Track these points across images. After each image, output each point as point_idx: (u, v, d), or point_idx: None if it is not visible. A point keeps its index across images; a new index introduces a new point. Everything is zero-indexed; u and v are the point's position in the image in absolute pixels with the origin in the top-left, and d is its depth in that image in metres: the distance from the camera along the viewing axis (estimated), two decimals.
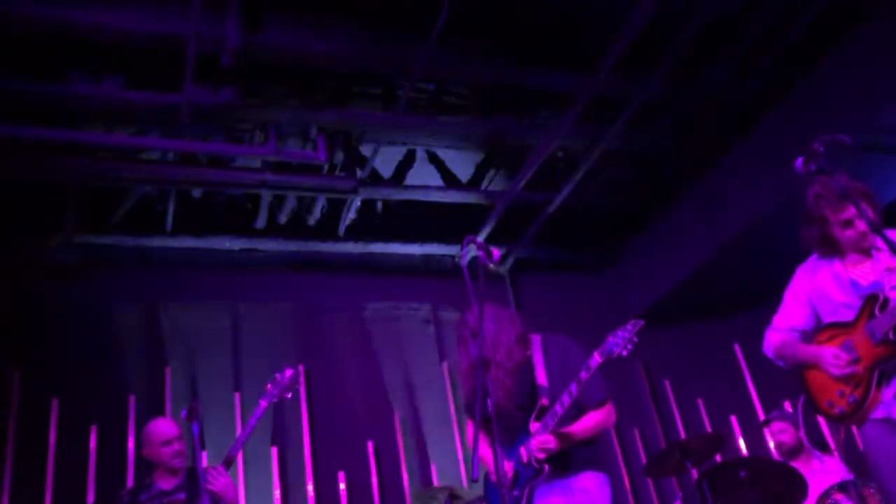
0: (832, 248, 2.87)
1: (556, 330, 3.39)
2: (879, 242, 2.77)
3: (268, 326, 5.82)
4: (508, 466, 3.17)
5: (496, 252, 2.85)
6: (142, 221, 5.64)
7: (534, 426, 3.11)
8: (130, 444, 4.94)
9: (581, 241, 6.78)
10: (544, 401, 3.15)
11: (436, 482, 5.57)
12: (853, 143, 2.51)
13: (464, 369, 3.32)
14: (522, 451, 3.13)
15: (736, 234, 5.67)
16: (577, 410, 3.16)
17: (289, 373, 3.71)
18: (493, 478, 3.16)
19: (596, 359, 2.99)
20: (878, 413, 2.63)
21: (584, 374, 3.00)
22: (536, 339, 3.36)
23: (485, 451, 3.32)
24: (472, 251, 2.90)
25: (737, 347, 6.57)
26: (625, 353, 2.94)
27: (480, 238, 5.97)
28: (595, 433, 3.18)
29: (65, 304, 5.35)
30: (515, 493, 3.13)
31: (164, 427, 3.76)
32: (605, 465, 3.22)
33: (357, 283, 6.29)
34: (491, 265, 2.87)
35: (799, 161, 2.55)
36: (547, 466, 3.06)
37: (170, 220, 5.60)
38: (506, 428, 3.22)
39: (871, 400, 2.62)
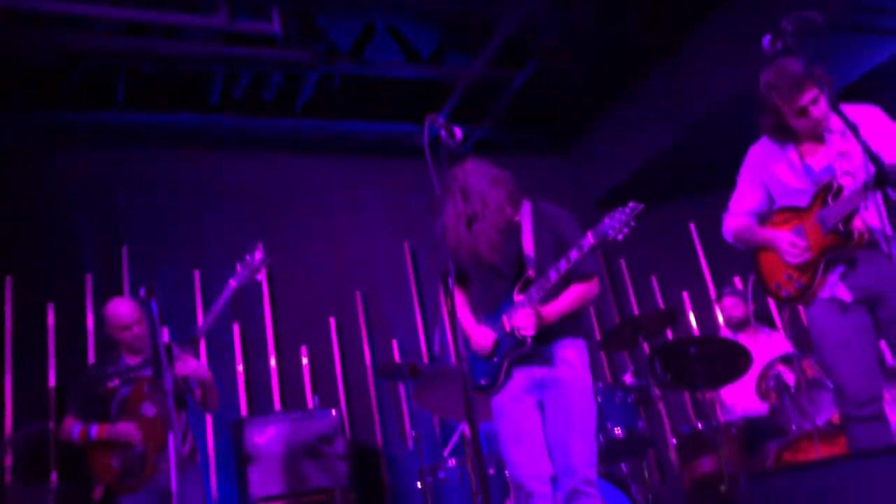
0: (787, 136, 2.88)
1: None
2: (832, 125, 2.78)
3: (225, 203, 5.74)
4: (489, 335, 3.15)
5: (458, 131, 2.78)
6: (92, 96, 5.41)
7: (518, 297, 3.10)
8: (90, 322, 4.93)
9: (545, 123, 6.71)
10: (530, 272, 3.12)
11: (397, 358, 5.72)
12: (823, 21, 2.46)
13: (448, 224, 3.20)
14: (505, 320, 3.11)
15: (701, 116, 5.65)
16: (563, 282, 3.11)
17: (259, 254, 3.68)
18: (473, 344, 3.15)
19: (589, 239, 2.93)
20: (824, 293, 2.72)
21: (574, 254, 2.95)
22: (527, 205, 3.28)
23: (466, 317, 3.28)
24: (434, 130, 2.82)
25: (692, 227, 6.71)
26: (620, 236, 2.86)
27: (442, 116, 5.87)
28: (579, 306, 3.16)
29: (15, 182, 5.19)
30: (495, 360, 3.15)
31: (122, 310, 3.73)
32: (584, 330, 3.23)
33: (316, 161, 6.19)
34: (453, 145, 2.81)
35: (766, 39, 2.50)
36: (529, 340, 3.06)
37: (121, 95, 5.37)
38: (490, 293, 3.22)
39: (818, 284, 2.70)
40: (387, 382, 5.54)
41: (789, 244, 2.72)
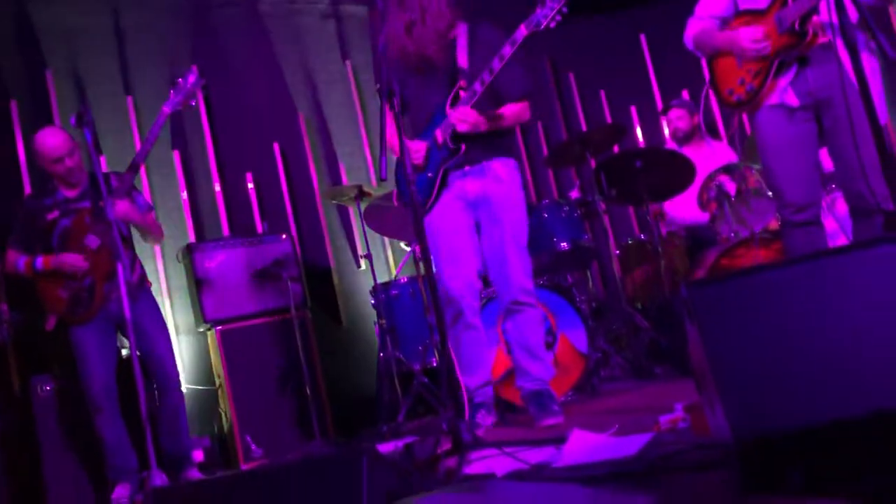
0: None
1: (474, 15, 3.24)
2: None
3: (153, 23, 5.37)
4: (421, 146, 3.16)
5: None
6: None
7: (450, 111, 3.07)
8: (21, 152, 4.71)
9: None
10: (462, 82, 3.09)
11: (345, 181, 5.68)
12: None
13: (389, 33, 3.08)
14: (438, 133, 3.11)
15: None
16: (495, 101, 3.13)
17: (192, 78, 3.50)
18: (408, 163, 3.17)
19: (522, 31, 2.89)
20: (772, 100, 2.72)
21: (507, 49, 2.91)
22: (463, 25, 3.21)
23: (392, 134, 3.21)
24: None
25: (643, 38, 6.57)
26: (553, 24, 2.86)
27: None
28: (510, 123, 3.19)
29: None
30: (429, 174, 3.17)
31: (50, 142, 3.54)
32: (514, 151, 3.30)
33: None
34: None
35: None
36: (463, 146, 3.08)
37: None
38: (424, 110, 3.20)
39: (767, 88, 2.69)
40: (335, 205, 5.54)
41: (750, 36, 2.68)
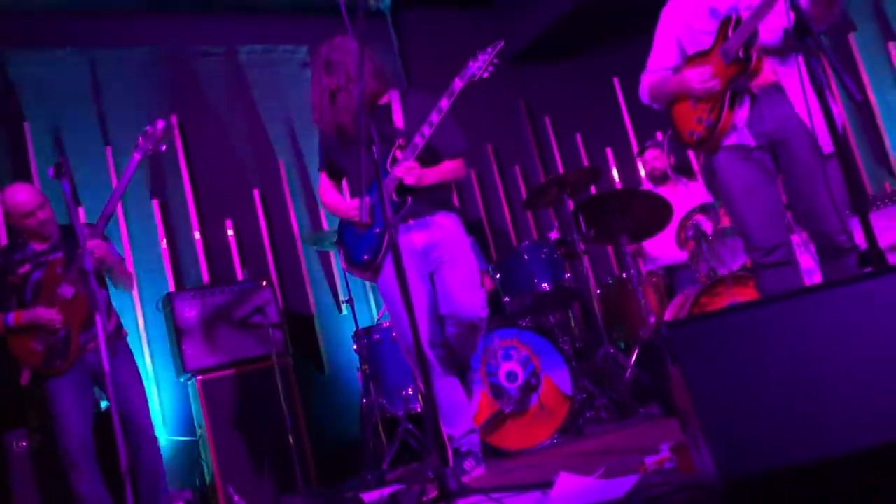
0: None
1: (441, 68, 3.32)
2: None
3: (132, 74, 5.41)
4: (361, 202, 3.19)
5: None
6: None
7: (391, 169, 3.14)
8: None
9: None
10: (400, 141, 3.15)
11: (325, 226, 5.68)
12: None
13: (313, 100, 3.22)
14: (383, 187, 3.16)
15: None
16: (432, 159, 3.20)
17: (160, 124, 3.52)
18: (366, 219, 3.21)
19: (457, 83, 3.01)
20: (731, 140, 2.76)
21: (445, 101, 3.01)
22: (395, 93, 3.31)
23: (334, 198, 3.38)
24: None
25: (616, 82, 6.70)
26: (486, 74, 3.02)
27: None
28: (447, 179, 3.28)
29: None
30: (376, 230, 3.21)
31: (21, 197, 3.51)
32: (455, 207, 3.40)
33: (226, 24, 5.84)
34: (370, 1, 2.70)
35: None
36: (410, 199, 3.13)
37: None
38: (361, 172, 3.24)
39: (724, 122, 2.72)
40: (316, 251, 5.54)
41: (698, 77, 2.74)
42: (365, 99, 3.10)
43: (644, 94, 3.06)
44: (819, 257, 2.72)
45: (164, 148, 3.55)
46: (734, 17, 2.67)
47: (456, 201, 6.30)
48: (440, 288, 3.23)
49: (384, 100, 3.28)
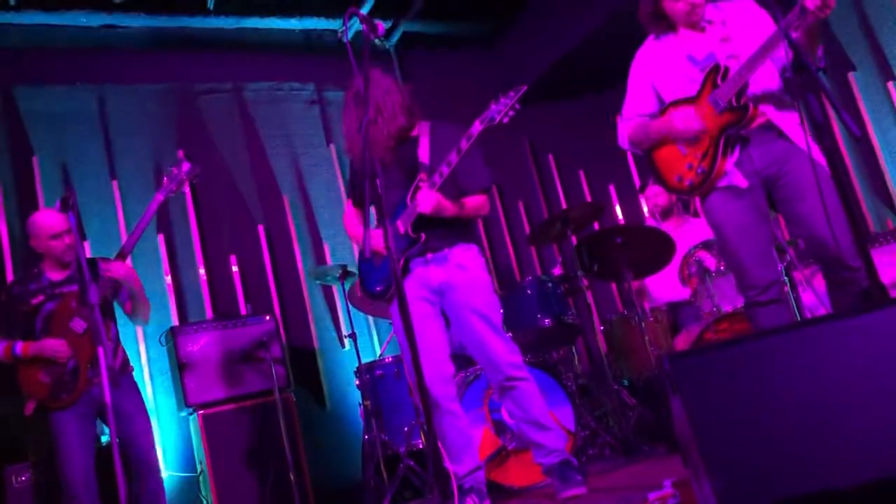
0: (664, 24, 2.89)
1: (445, 107, 3.34)
2: (709, 15, 2.83)
3: (139, 110, 5.48)
4: (381, 234, 3.20)
5: (381, 26, 2.70)
6: None
7: (410, 202, 3.15)
8: (4, 237, 4.72)
9: (469, 15, 6.54)
10: (422, 175, 3.16)
11: (329, 261, 5.70)
12: None
13: (345, 131, 3.26)
14: (399, 223, 3.16)
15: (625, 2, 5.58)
16: (456, 194, 3.20)
17: (186, 166, 3.57)
18: (367, 253, 3.21)
19: (477, 126, 3.00)
20: (722, 183, 2.78)
21: (464, 143, 3.02)
22: (426, 124, 3.32)
23: (355, 228, 3.38)
24: (355, 25, 2.73)
25: (618, 120, 6.75)
26: (506, 119, 2.97)
27: (364, 10, 5.66)
28: (470, 214, 3.26)
29: None
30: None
31: (52, 220, 3.57)
32: (476, 238, 3.36)
33: (233, 62, 5.93)
34: (376, 40, 2.73)
35: None
36: (423, 235, 3.13)
37: None
38: (385, 202, 3.26)
39: (718, 169, 2.74)
40: (320, 286, 5.55)
41: (682, 115, 2.76)
42: (391, 133, 3.16)
43: (623, 139, 3.08)
44: (827, 286, 2.70)
45: (187, 189, 3.59)
46: (722, 68, 2.70)
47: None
48: (465, 334, 3.18)
49: (414, 132, 3.29)
